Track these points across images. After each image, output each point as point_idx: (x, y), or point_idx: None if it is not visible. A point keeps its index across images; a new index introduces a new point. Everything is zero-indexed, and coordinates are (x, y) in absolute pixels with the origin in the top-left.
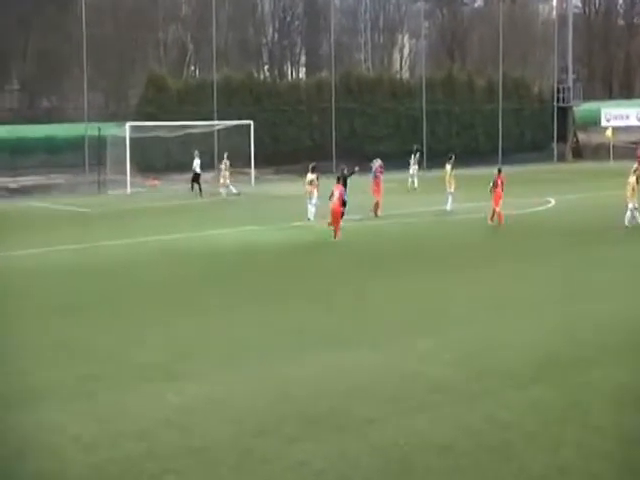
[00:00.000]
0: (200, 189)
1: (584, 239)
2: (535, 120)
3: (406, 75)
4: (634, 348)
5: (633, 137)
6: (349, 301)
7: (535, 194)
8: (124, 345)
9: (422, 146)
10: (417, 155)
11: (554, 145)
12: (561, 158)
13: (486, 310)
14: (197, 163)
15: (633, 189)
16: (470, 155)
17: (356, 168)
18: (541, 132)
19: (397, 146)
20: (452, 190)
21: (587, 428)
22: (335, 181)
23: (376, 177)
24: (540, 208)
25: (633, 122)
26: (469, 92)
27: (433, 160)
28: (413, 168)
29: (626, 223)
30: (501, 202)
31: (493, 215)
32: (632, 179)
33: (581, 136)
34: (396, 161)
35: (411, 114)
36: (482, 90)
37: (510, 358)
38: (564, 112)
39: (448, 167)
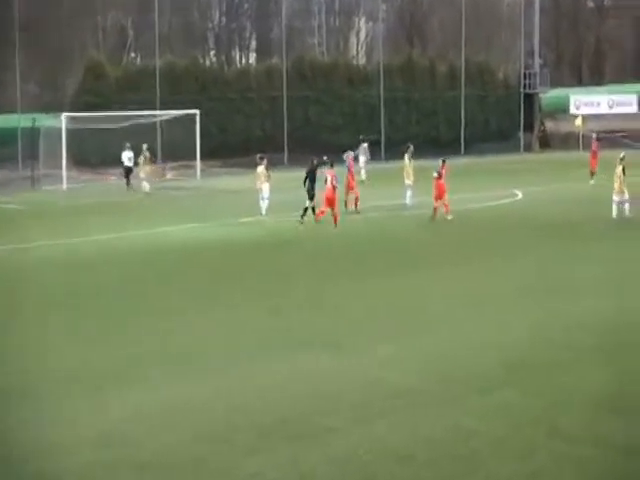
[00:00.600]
0: (128, 183)
1: (554, 233)
2: (500, 107)
3: (363, 60)
4: (610, 349)
5: (604, 125)
6: (306, 302)
7: (501, 186)
8: (59, 353)
9: (380, 135)
10: (365, 145)
11: (520, 134)
12: (528, 148)
13: (455, 310)
14: (127, 156)
15: (620, 180)
16: (431, 145)
17: (324, 158)
18: (506, 120)
19: (353, 136)
20: (411, 182)
21: (559, 433)
22: (304, 174)
23: (349, 170)
24: (506, 201)
25: (604, 110)
26: (430, 78)
27: (392, 150)
28: (361, 160)
29: (613, 215)
30: (446, 195)
31: (445, 210)
32: (618, 169)
33: (549, 124)
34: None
35: (368, 102)
36: (444, 76)
37: (478, 360)
38: (531, 99)
39: (406, 158)
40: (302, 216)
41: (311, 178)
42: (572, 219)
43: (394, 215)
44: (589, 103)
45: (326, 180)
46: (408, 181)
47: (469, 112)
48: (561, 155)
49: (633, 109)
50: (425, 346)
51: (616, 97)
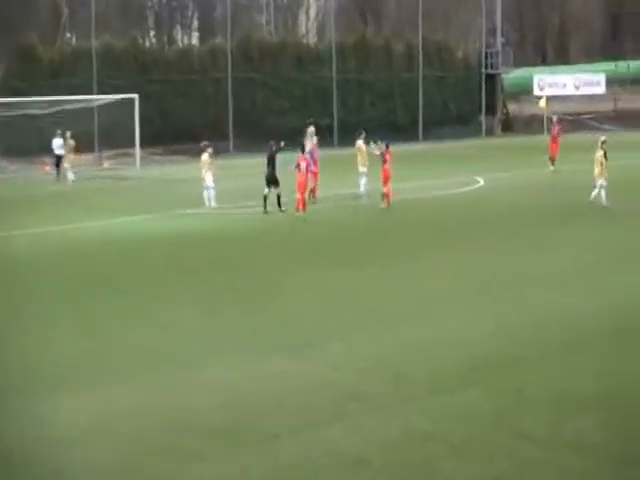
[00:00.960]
0: (58, 173)
1: (520, 222)
2: (460, 89)
3: (314, 40)
4: (575, 348)
5: (570, 107)
6: (255, 299)
7: (461, 173)
8: None
9: (332, 120)
10: (311, 129)
11: (482, 117)
12: (489, 132)
13: (414, 305)
14: (58, 144)
15: (601, 164)
16: (387, 129)
17: (282, 143)
18: (467, 102)
19: (303, 120)
20: (365, 169)
21: (520, 436)
22: (266, 160)
23: (313, 158)
24: (468, 189)
25: (570, 90)
26: (385, 58)
27: (345, 135)
28: (307, 146)
29: (591, 199)
30: (390, 183)
31: (384, 198)
32: (599, 154)
33: (511, 107)
34: (303, 137)
35: (319, 84)
36: (400, 56)
37: (435, 360)
38: (492, 80)
39: (360, 143)
40: (278, 205)
41: (272, 164)
42: (538, 206)
43: (348, 205)
44: (554, 84)
45: (299, 166)
46: (362, 168)
47: (427, 94)
48: (524, 139)
49: (601, 90)
50: (381, 344)
51: (583, 77)
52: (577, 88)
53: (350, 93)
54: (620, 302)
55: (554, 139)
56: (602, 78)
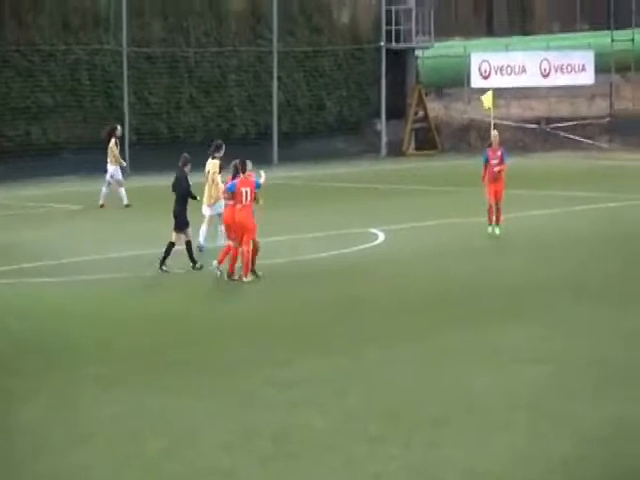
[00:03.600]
0: None
1: (436, 316)
2: (343, 76)
3: None
4: None
5: (534, 108)
6: None
7: (351, 221)
8: None
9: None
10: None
11: (381, 125)
12: (395, 150)
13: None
14: None
15: None
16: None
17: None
18: (355, 99)
19: None
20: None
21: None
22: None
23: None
24: (360, 247)
25: (535, 80)
26: (215, 22)
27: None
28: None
29: None
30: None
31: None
32: None
33: (433, 106)
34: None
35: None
36: (240, 20)
37: None
38: (400, 60)
39: (214, 163)
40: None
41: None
42: (458, 287)
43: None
44: (507, 68)
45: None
46: (207, 207)
47: (286, 85)
48: (455, 164)
49: (587, 77)
50: None
51: (556, 57)
52: (546, 75)
53: (143, 81)
54: None
55: (493, 176)
56: (589, 59)
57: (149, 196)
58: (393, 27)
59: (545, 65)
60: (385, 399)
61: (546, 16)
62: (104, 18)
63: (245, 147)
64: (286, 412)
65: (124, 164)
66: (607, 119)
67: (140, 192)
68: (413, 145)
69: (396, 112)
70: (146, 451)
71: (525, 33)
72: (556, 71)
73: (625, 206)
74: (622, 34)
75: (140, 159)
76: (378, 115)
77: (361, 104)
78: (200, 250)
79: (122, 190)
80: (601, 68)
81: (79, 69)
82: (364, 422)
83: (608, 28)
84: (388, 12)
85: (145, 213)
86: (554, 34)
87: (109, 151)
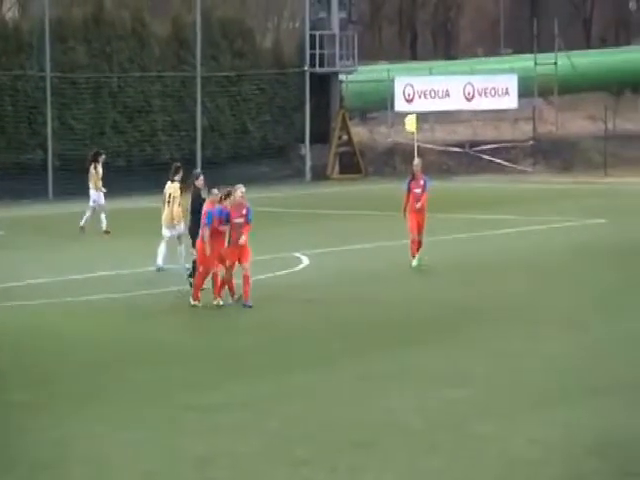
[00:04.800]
0: None
1: (356, 341)
2: (267, 101)
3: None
4: None
5: (459, 132)
6: None
7: (275, 246)
8: None
9: (46, 154)
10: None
11: (305, 149)
12: (319, 174)
13: None
14: None
15: None
16: (151, 168)
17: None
18: (279, 125)
19: None
20: (174, 229)
21: None
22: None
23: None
24: (284, 272)
25: (458, 103)
26: (137, 44)
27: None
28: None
29: None
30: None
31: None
32: None
33: (357, 130)
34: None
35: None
36: (164, 45)
37: None
38: (324, 84)
39: (174, 185)
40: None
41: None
42: (379, 312)
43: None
44: (431, 92)
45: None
46: (176, 223)
47: (209, 110)
48: (378, 187)
49: (511, 101)
50: None
51: (480, 81)
52: (469, 99)
53: (67, 107)
54: None
55: (414, 207)
56: (513, 83)
57: (72, 222)
58: (317, 51)
59: (469, 89)
60: (308, 423)
61: (470, 40)
62: (27, 43)
63: (169, 172)
64: (209, 437)
65: (104, 190)
66: (530, 142)
67: (64, 218)
68: (337, 169)
69: (320, 136)
70: None
71: (449, 57)
72: (480, 95)
73: (543, 230)
74: (545, 57)
75: (64, 185)
76: (302, 139)
77: (285, 128)
78: (158, 271)
79: (102, 216)
80: (524, 92)
81: (1, 95)
82: (287, 446)
83: (531, 52)
84: (312, 37)
85: (65, 240)
86: (478, 58)
87: (90, 177)
